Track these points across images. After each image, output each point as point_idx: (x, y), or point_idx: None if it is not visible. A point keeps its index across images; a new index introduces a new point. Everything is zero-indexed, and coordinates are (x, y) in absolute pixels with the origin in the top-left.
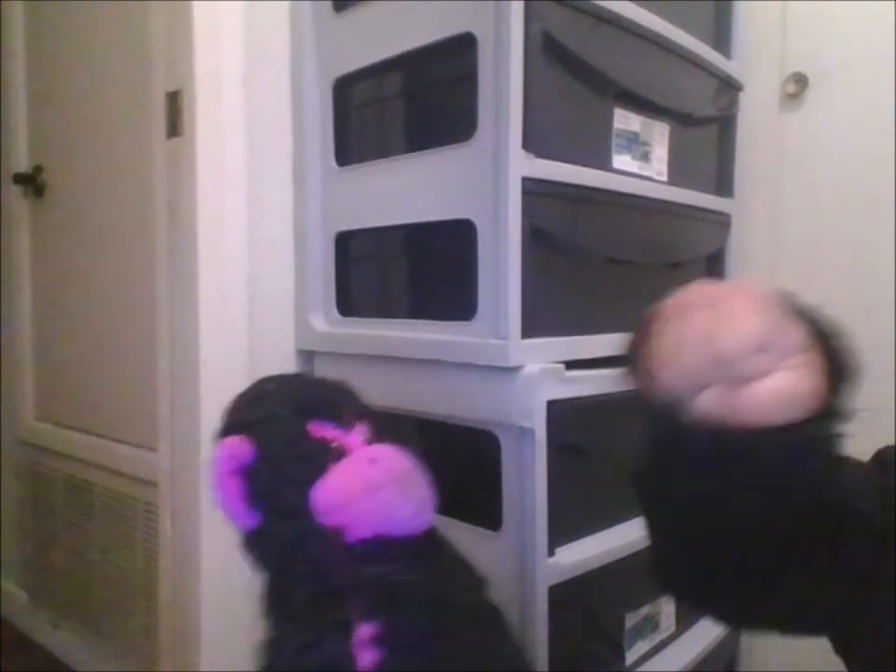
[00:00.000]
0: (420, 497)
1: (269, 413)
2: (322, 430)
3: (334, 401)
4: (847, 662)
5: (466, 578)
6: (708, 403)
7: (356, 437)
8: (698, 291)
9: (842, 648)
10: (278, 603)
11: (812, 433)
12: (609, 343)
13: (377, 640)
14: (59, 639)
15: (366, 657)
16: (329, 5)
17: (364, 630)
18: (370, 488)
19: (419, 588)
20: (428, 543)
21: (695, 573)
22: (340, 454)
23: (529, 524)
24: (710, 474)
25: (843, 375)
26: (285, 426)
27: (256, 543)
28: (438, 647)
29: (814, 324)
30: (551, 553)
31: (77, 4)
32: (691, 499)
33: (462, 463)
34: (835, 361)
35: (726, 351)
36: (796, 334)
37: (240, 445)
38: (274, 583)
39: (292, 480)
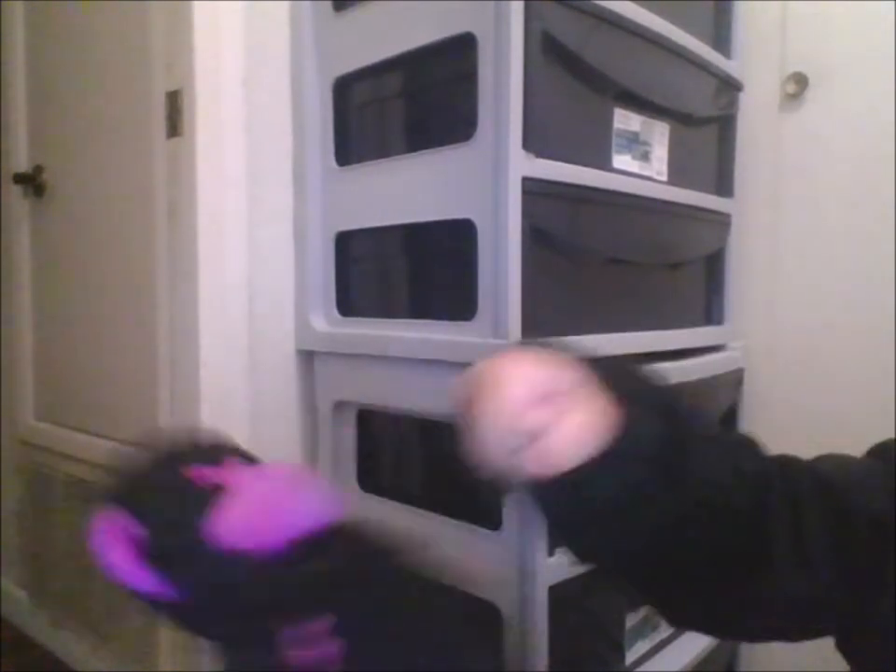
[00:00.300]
0: (314, 493)
1: (142, 472)
2: (199, 472)
3: (204, 445)
4: (850, 658)
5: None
6: (526, 465)
7: (231, 469)
8: (478, 371)
9: (844, 644)
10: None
11: (622, 448)
12: (609, 342)
13: (332, 632)
14: (59, 639)
15: (325, 651)
16: (328, 5)
17: (315, 626)
18: (262, 501)
19: (353, 572)
20: (342, 535)
21: (673, 589)
22: (222, 488)
23: (529, 524)
24: (569, 522)
25: (629, 393)
26: (161, 479)
27: (176, 608)
28: (393, 626)
29: (589, 362)
30: (551, 552)
31: (76, 4)
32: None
33: (462, 463)
34: (619, 384)
35: (504, 417)
36: (568, 376)
37: (118, 516)
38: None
39: (185, 527)
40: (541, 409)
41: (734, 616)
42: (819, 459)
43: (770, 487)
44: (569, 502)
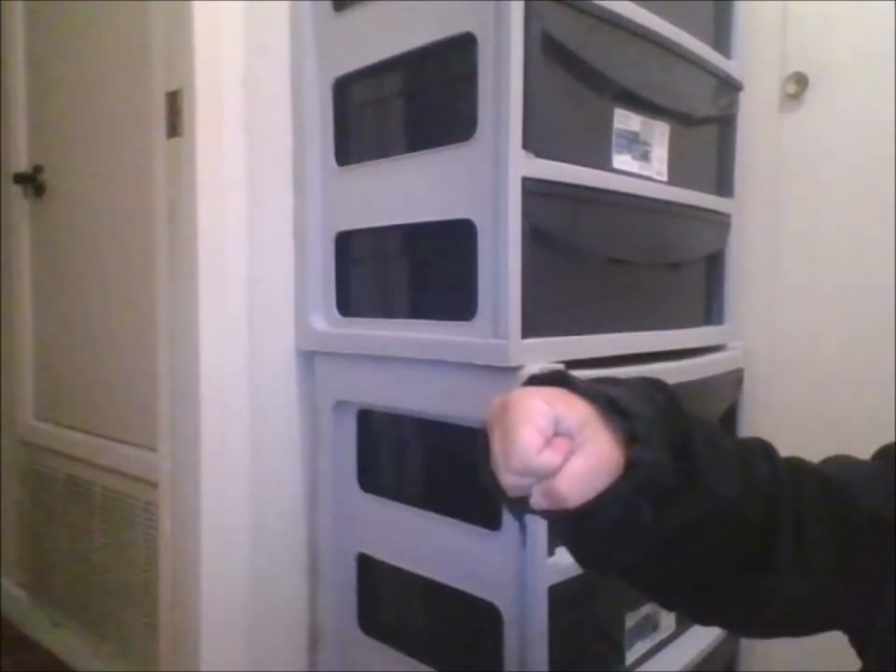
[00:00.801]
0: None
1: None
2: None
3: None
4: (861, 655)
5: None
6: (536, 501)
7: None
8: (492, 410)
9: (854, 641)
10: None
11: (628, 481)
12: (609, 342)
13: None
14: (59, 639)
15: None
16: (328, 5)
17: None
18: None
19: None
20: None
21: (687, 589)
22: None
23: (529, 523)
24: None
25: (636, 419)
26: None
27: None
28: None
29: (595, 393)
30: (551, 552)
31: (76, 4)
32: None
33: (462, 463)
34: (621, 413)
35: (517, 459)
36: (576, 412)
37: None
38: None
39: None
40: (550, 451)
41: (737, 614)
42: (826, 461)
43: (779, 493)
44: (574, 529)
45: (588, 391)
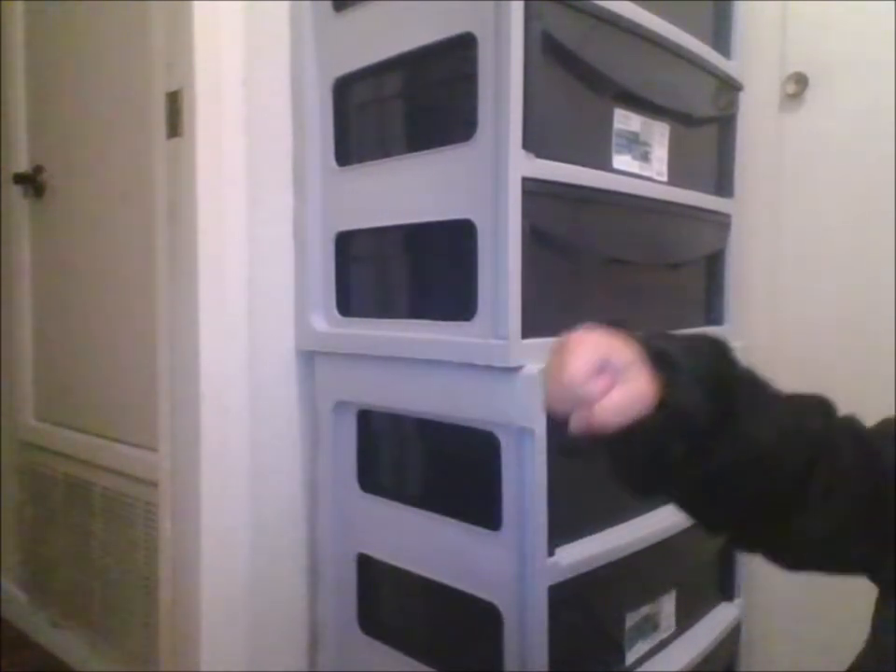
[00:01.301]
0: None
1: None
2: None
3: None
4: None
5: None
6: (577, 422)
7: None
8: (552, 349)
9: (881, 584)
10: None
11: (657, 418)
12: None
13: None
14: (59, 639)
15: None
16: (328, 5)
17: None
18: None
19: None
20: None
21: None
22: None
23: (529, 524)
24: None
25: (673, 369)
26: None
27: None
28: None
29: (644, 341)
30: (551, 553)
31: (76, 4)
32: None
33: (462, 463)
34: (665, 361)
35: (566, 383)
36: (624, 355)
37: None
38: None
39: None
40: (596, 380)
41: (769, 547)
42: (881, 422)
43: (822, 447)
44: (609, 455)
45: (639, 337)
